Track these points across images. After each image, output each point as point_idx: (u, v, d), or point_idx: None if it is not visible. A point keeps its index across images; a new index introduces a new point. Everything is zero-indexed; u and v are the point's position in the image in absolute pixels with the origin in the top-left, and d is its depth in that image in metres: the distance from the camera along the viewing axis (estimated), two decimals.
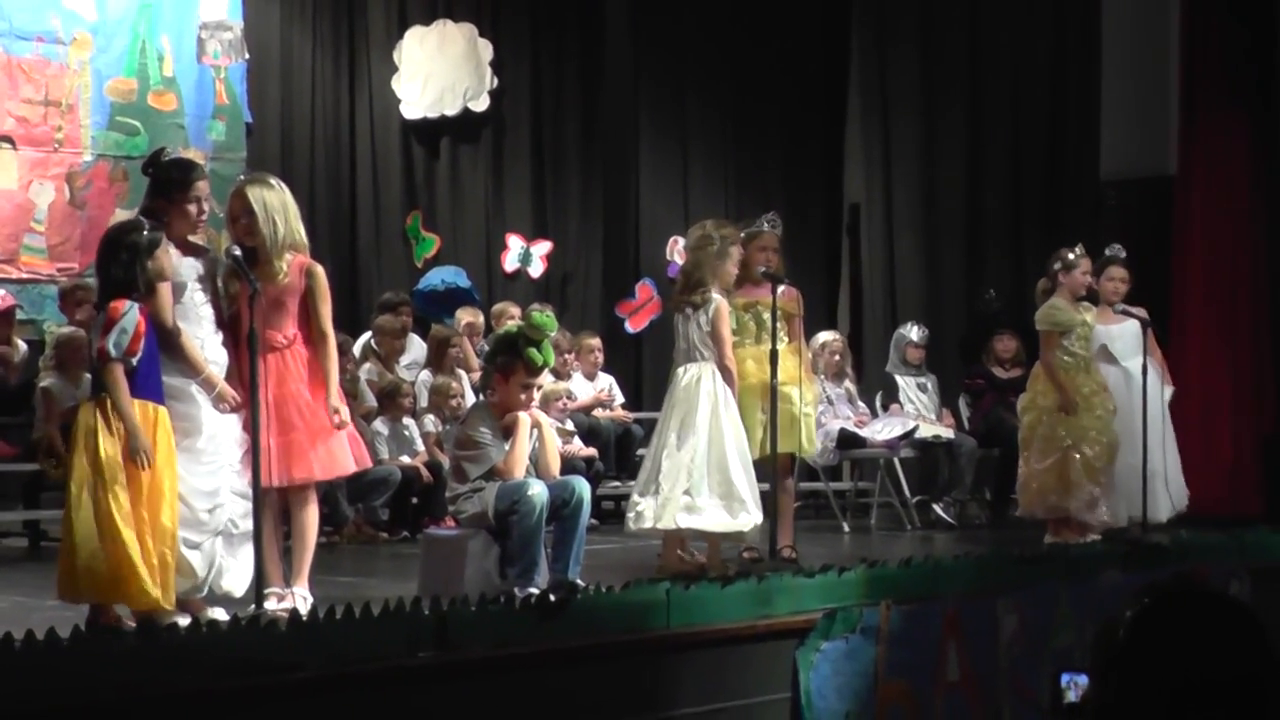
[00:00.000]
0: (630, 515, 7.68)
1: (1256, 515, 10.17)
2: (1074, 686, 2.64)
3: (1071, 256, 9.18)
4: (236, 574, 6.00)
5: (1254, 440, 11.30)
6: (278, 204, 6.30)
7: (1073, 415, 8.94)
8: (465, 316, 11.59)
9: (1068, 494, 8.96)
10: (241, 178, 6.68)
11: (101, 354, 5.63)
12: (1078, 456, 8.94)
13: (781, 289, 7.97)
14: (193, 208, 6.09)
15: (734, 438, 7.57)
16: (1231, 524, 9.04)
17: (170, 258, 5.91)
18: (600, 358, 11.62)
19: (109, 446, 5.57)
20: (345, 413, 6.37)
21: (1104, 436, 9.00)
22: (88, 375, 6.33)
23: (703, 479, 7.48)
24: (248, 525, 5.96)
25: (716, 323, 7.65)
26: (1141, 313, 9.26)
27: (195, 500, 5.84)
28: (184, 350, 5.94)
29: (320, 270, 6.43)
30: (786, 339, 8.11)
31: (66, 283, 10.84)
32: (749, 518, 7.53)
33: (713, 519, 7.49)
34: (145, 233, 5.81)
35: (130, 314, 5.66)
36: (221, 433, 6.00)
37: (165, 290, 5.88)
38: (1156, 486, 9.01)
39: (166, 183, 6.12)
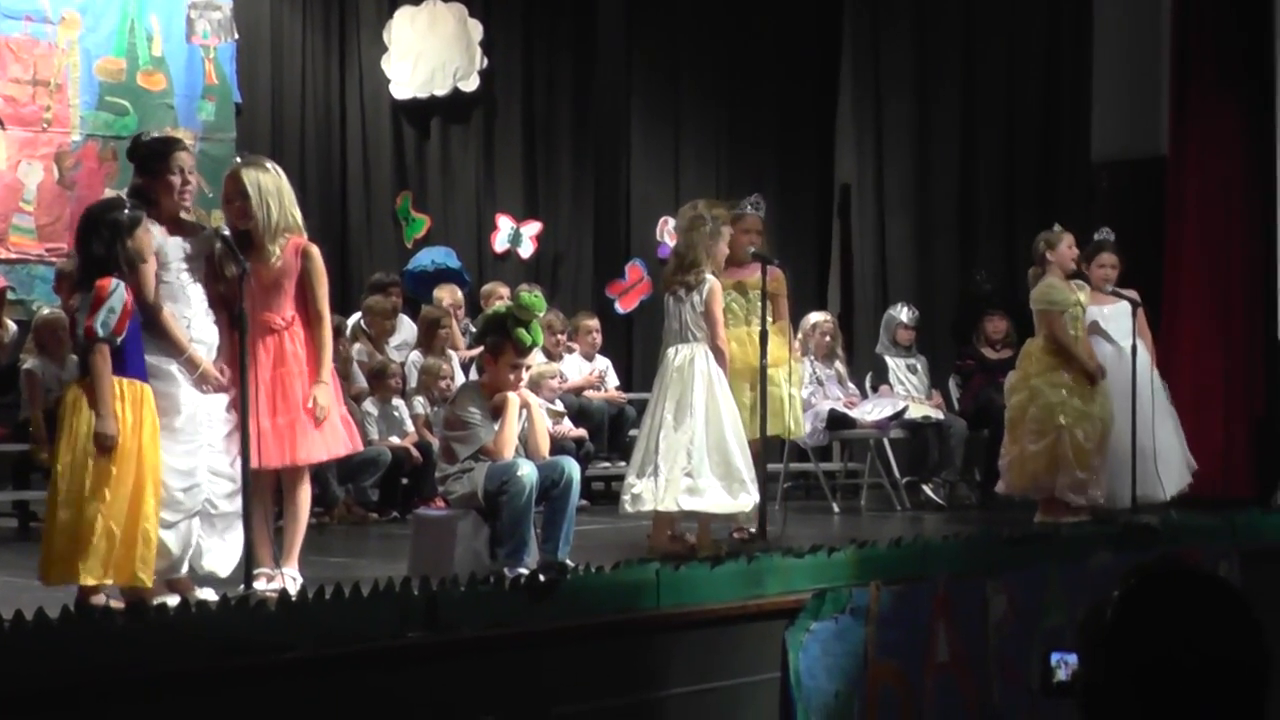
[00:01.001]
0: (626, 498, 7.65)
1: (1248, 497, 10.18)
2: (1064, 665, 2.64)
3: (1050, 235, 9.19)
4: (219, 554, 5.97)
5: (1246, 422, 11.31)
6: (272, 187, 6.29)
7: (1101, 381, 8.95)
8: (445, 295, 11.55)
9: (1056, 474, 8.97)
10: (237, 160, 6.66)
11: (89, 333, 5.60)
12: (1070, 439, 8.94)
13: (769, 269, 7.97)
14: (175, 179, 6.06)
15: (730, 418, 7.57)
16: (1223, 506, 9.05)
17: (151, 237, 5.88)
18: (598, 339, 11.63)
19: (89, 425, 5.56)
20: (326, 399, 6.29)
21: (1098, 416, 9.01)
22: (73, 357, 6.31)
23: (703, 460, 7.47)
24: (227, 506, 5.94)
25: (710, 303, 7.64)
26: (1133, 295, 9.25)
27: (171, 479, 5.80)
28: (167, 329, 5.91)
29: (316, 251, 6.41)
30: (773, 319, 8.11)
31: (62, 265, 10.78)
32: (748, 498, 7.54)
33: (714, 500, 7.49)
34: (126, 211, 5.79)
35: (117, 293, 5.63)
36: (201, 412, 5.96)
37: (147, 268, 5.86)
38: (1147, 467, 9.01)
39: (148, 157, 6.11)
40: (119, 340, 5.63)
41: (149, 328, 5.85)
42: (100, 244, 5.71)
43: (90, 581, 5.52)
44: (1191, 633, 2.32)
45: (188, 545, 5.90)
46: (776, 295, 8.24)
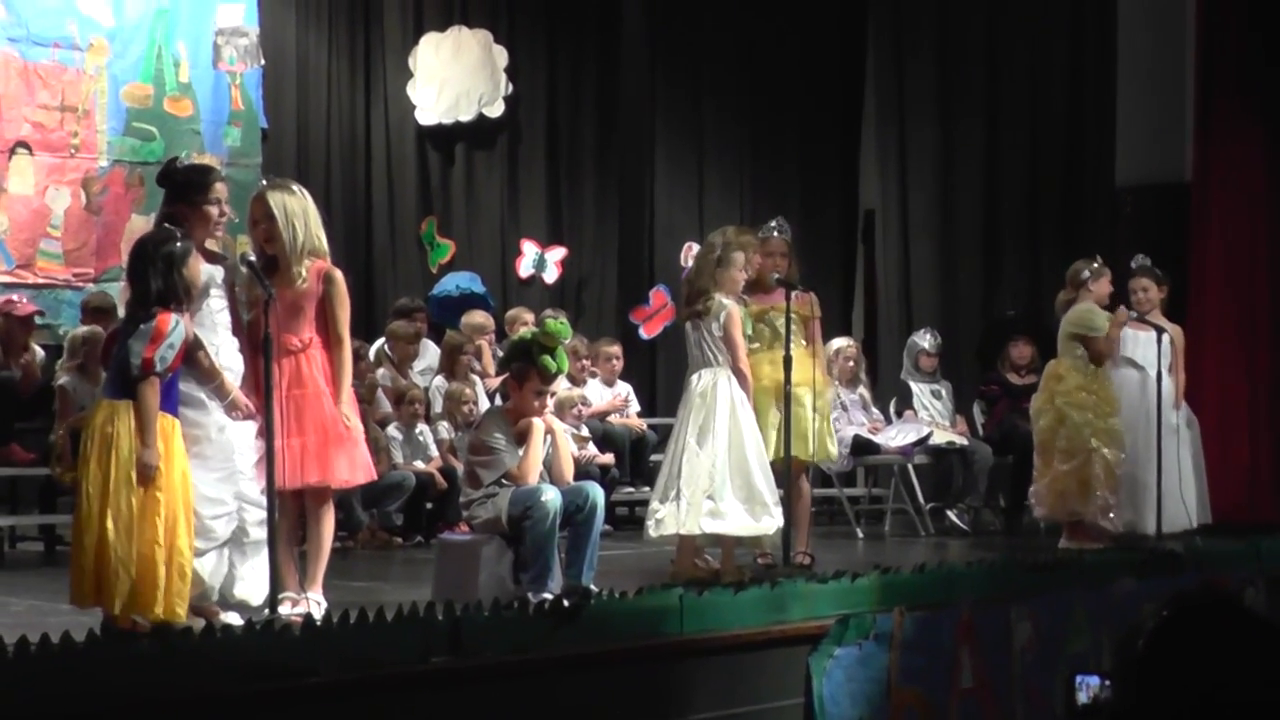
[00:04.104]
0: (650, 523, 7.63)
1: (1274, 522, 10.14)
2: (1085, 687, 2.63)
3: (1096, 266, 9.24)
4: (251, 582, 5.98)
5: (1272, 447, 11.27)
6: (298, 210, 6.29)
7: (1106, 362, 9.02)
8: (478, 320, 11.56)
9: (1086, 498, 8.96)
10: (263, 182, 6.66)
11: (147, 365, 5.58)
12: (1100, 460, 8.93)
13: (795, 294, 7.96)
14: (213, 210, 6.09)
15: (753, 441, 7.56)
16: (1249, 531, 9.01)
17: (199, 268, 5.90)
18: (619, 365, 11.61)
19: (130, 450, 5.56)
20: (356, 421, 6.34)
21: (1121, 437, 9.02)
22: (103, 373, 6.29)
23: (725, 483, 7.47)
24: (259, 534, 5.94)
25: (729, 327, 7.64)
26: (1166, 325, 9.24)
27: (202, 508, 5.80)
28: (198, 358, 5.94)
29: (339, 276, 6.39)
30: (804, 343, 8.11)
31: (90, 297, 10.78)
32: (771, 521, 7.51)
33: (736, 523, 7.47)
34: (179, 243, 5.79)
35: (178, 331, 5.63)
36: (233, 441, 5.98)
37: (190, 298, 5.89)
38: (1171, 494, 8.97)
39: (185, 186, 6.11)
40: (169, 376, 5.65)
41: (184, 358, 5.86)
42: (158, 277, 5.70)
43: (123, 613, 5.51)
44: (1226, 669, 2.29)
45: (219, 573, 5.91)
46: (808, 319, 8.24)
